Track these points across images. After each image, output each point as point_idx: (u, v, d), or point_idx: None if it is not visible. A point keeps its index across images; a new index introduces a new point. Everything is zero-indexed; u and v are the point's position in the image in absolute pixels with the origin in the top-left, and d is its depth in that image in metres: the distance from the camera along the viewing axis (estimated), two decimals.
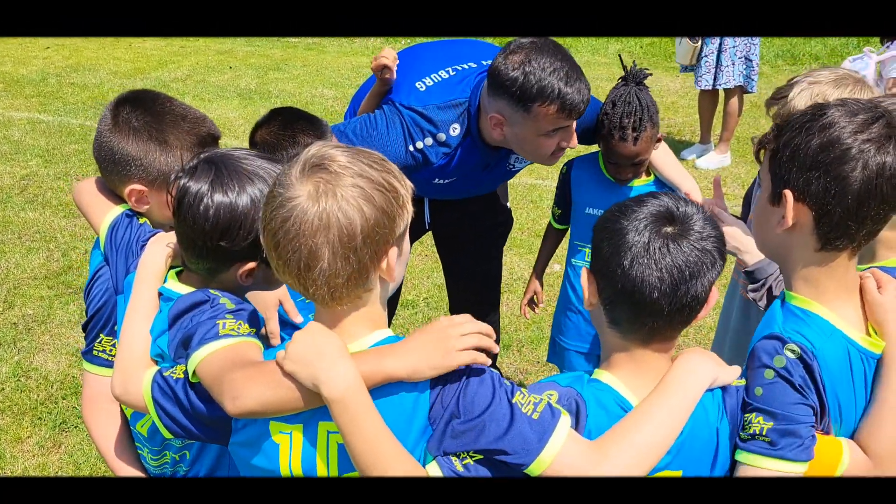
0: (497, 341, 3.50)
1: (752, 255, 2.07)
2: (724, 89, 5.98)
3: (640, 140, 2.38)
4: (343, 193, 1.17)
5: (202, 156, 1.46)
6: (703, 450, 1.36)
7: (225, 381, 1.24)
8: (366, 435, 1.18)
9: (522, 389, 1.28)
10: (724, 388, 1.38)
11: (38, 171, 5.78)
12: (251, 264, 1.44)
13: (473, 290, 3.05)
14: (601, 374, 1.38)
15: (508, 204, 3.02)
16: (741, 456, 1.36)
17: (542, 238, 2.91)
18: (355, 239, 1.17)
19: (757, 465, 1.34)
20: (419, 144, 2.34)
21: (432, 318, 4.02)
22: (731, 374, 1.39)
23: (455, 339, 1.22)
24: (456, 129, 2.36)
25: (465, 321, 1.26)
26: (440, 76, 2.41)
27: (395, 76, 2.42)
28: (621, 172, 2.49)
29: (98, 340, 1.63)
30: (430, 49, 2.57)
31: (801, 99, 1.97)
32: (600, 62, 9.00)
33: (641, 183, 2.55)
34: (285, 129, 1.98)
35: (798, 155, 1.34)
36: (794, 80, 2.03)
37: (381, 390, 1.22)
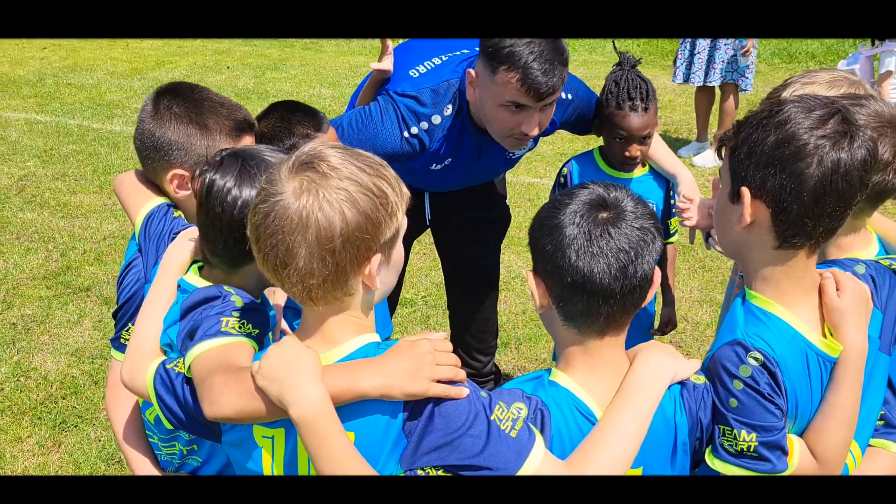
0: (496, 338, 3.48)
1: None
2: (720, 87, 5.99)
3: (648, 110, 2.40)
4: (326, 194, 1.16)
5: (225, 151, 1.50)
6: (660, 445, 1.37)
7: (206, 385, 1.25)
8: (332, 458, 1.17)
9: (501, 403, 1.26)
10: (681, 383, 1.39)
11: (36, 172, 5.78)
12: None
13: (471, 287, 3.06)
14: (558, 376, 1.38)
15: (507, 201, 3.03)
16: (729, 470, 1.37)
17: None
18: (333, 241, 1.16)
19: None
20: (413, 130, 2.35)
21: (431, 317, 4.03)
22: (690, 369, 1.40)
23: (430, 366, 1.19)
24: (448, 109, 2.36)
25: (444, 349, 1.24)
26: (433, 63, 2.42)
27: (390, 65, 2.44)
28: (630, 150, 2.45)
29: (126, 329, 1.66)
30: (426, 41, 2.58)
31: None
32: (597, 61, 9.02)
33: (639, 174, 2.57)
34: (282, 121, 2.02)
35: (755, 151, 1.34)
36: (790, 80, 2.04)
37: (355, 403, 1.21)
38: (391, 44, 2.43)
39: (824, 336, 1.42)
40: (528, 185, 5.62)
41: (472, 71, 2.24)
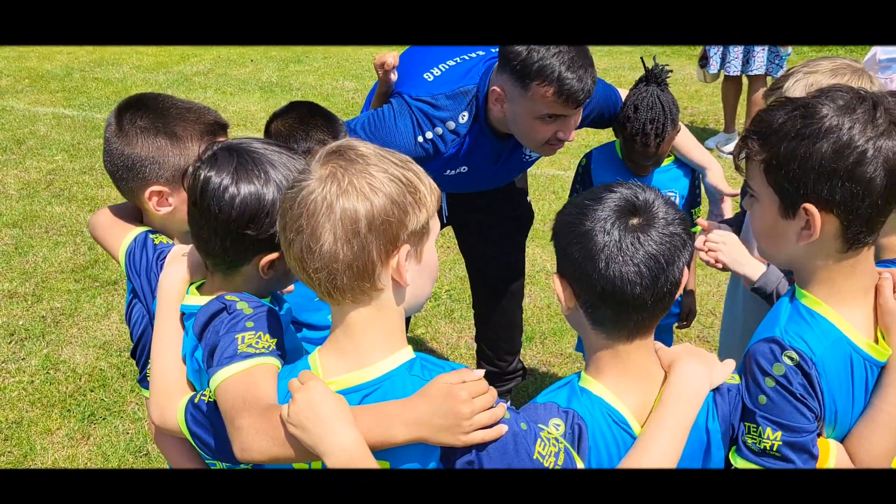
0: (521, 335, 3.45)
1: (751, 266, 2.04)
2: (749, 77, 5.90)
3: (662, 144, 2.41)
4: (353, 179, 1.15)
5: (218, 146, 1.43)
6: (693, 451, 1.35)
7: (235, 427, 1.23)
8: None
9: (542, 434, 1.23)
10: (715, 388, 1.36)
11: (64, 166, 5.84)
12: (273, 255, 1.41)
13: (495, 286, 3.04)
14: (589, 383, 1.36)
15: (529, 198, 3.00)
16: (748, 468, 1.34)
17: None
18: (358, 223, 1.14)
19: None
20: (428, 135, 2.32)
21: (455, 311, 4.02)
22: (724, 374, 1.37)
23: (468, 421, 1.15)
24: (464, 117, 2.33)
25: (480, 391, 1.17)
26: (447, 65, 2.38)
27: (395, 76, 2.39)
28: (641, 170, 2.53)
29: (148, 367, 1.60)
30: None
31: (796, 89, 1.93)
32: (623, 50, 8.92)
33: (663, 164, 2.57)
34: (300, 123, 2.00)
35: (810, 166, 1.28)
36: (792, 70, 2.01)
37: None
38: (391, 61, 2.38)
39: (876, 340, 1.38)
40: (551, 178, 5.58)
41: (497, 89, 2.20)
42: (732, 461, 1.37)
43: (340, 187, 1.15)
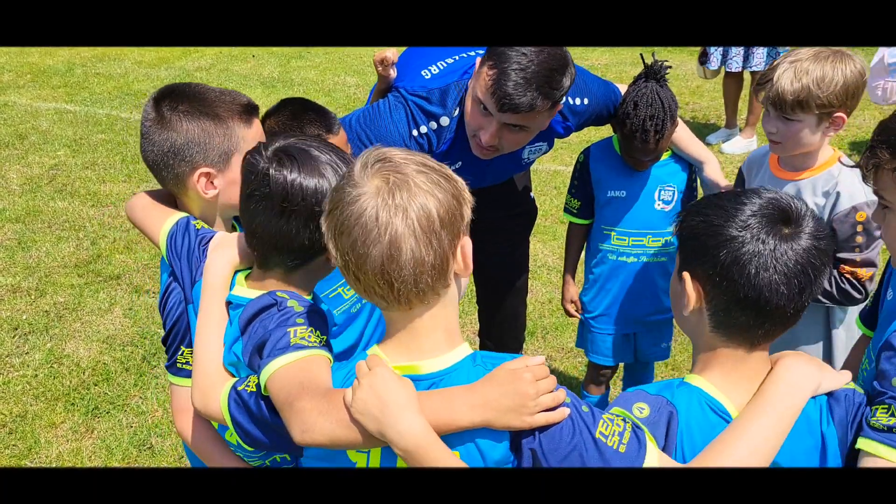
0: (524, 331, 3.43)
1: None
2: (751, 73, 5.90)
3: (661, 141, 2.42)
4: (413, 180, 1.16)
5: (272, 149, 1.43)
6: (806, 458, 1.30)
7: (294, 410, 1.22)
8: None
9: (605, 416, 1.22)
10: (829, 393, 1.32)
11: (67, 161, 5.86)
12: None
13: (499, 284, 3.04)
14: (692, 378, 1.33)
15: (532, 194, 3.00)
16: (871, 446, 1.27)
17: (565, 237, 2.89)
18: (433, 222, 1.15)
19: (890, 459, 1.25)
20: (423, 129, 2.31)
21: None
22: (837, 381, 1.33)
23: (532, 400, 1.16)
24: (457, 112, 2.33)
25: (543, 374, 1.19)
26: (445, 63, 2.38)
27: (395, 72, 2.40)
28: (639, 166, 2.54)
29: (180, 353, 1.61)
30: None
31: (785, 78, 2.00)
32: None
33: (661, 158, 2.58)
34: (293, 120, 2.01)
35: None
36: (777, 62, 2.07)
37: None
38: (391, 56, 2.39)
39: None
40: (553, 174, 5.58)
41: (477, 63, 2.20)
42: (861, 444, 1.29)
43: (409, 191, 1.15)
